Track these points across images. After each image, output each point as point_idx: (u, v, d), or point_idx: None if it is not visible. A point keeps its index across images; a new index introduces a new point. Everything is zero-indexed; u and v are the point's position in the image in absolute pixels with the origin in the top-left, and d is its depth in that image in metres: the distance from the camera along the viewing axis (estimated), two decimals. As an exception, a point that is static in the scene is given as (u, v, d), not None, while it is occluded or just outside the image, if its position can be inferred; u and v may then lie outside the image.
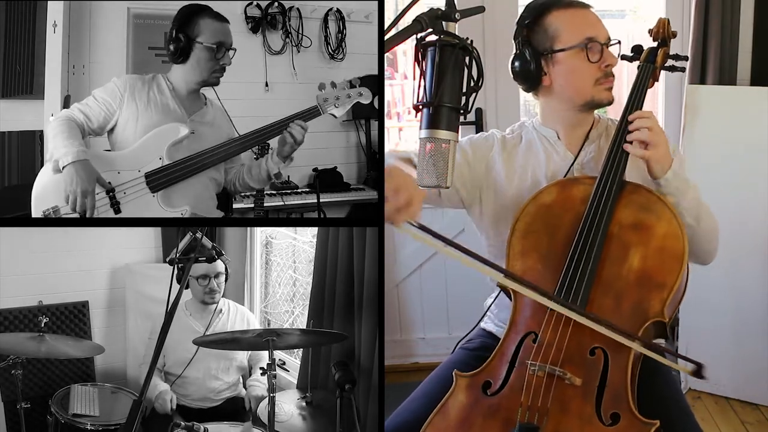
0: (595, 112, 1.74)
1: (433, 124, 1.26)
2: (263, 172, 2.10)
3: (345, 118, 2.16)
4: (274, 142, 2.07)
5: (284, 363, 2.78)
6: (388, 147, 3.76)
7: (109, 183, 1.91)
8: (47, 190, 1.88)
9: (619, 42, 1.69)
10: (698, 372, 1.41)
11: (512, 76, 1.72)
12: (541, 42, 1.66)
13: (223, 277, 2.49)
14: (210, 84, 2.07)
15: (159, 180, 1.95)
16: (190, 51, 2.00)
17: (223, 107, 2.18)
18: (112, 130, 2.01)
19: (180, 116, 2.03)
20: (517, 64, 1.69)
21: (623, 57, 1.75)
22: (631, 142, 1.56)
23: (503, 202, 1.72)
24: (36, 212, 1.90)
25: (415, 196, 1.31)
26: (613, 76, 1.67)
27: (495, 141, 1.78)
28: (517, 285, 1.45)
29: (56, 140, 1.85)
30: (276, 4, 3.17)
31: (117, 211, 1.92)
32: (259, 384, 2.47)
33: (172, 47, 2.01)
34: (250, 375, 2.59)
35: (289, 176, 3.27)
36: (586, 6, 1.69)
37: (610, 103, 1.68)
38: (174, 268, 1.81)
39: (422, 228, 1.36)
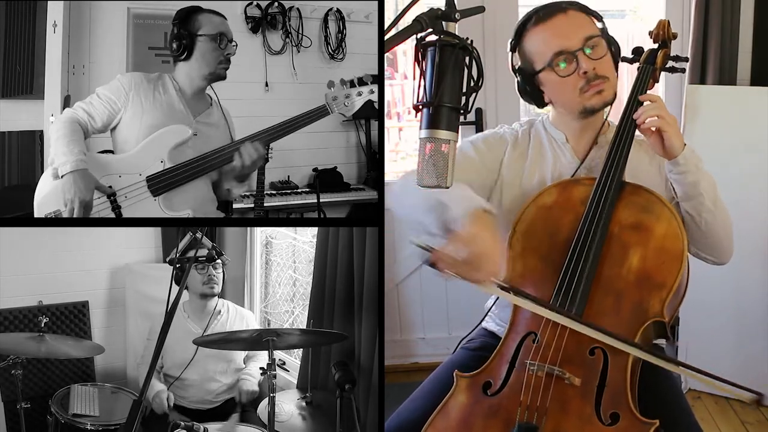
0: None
1: (433, 124, 1.26)
2: (223, 190, 2.10)
3: (346, 117, 2.14)
4: (276, 144, 2.06)
5: (284, 363, 2.77)
6: (388, 147, 3.76)
7: (110, 187, 1.90)
8: (49, 198, 1.87)
9: (602, 34, 1.62)
10: (760, 401, 1.36)
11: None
12: (527, 67, 1.69)
13: (220, 267, 2.47)
14: (217, 76, 2.05)
15: (160, 183, 1.94)
16: (194, 45, 2.01)
17: (223, 111, 2.17)
18: (115, 128, 2.00)
19: (185, 116, 2.03)
20: (520, 89, 1.73)
21: (623, 59, 1.74)
22: (639, 127, 1.56)
23: (509, 204, 1.71)
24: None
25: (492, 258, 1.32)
26: (600, 78, 1.60)
27: (508, 140, 1.77)
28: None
29: (57, 145, 1.85)
30: (276, 4, 3.17)
31: (118, 215, 1.91)
32: (250, 378, 2.46)
33: (175, 45, 2.01)
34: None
35: (289, 176, 3.27)
36: (559, 11, 1.63)
37: (606, 104, 1.65)
38: (174, 269, 1.81)
39: (510, 289, 1.41)
